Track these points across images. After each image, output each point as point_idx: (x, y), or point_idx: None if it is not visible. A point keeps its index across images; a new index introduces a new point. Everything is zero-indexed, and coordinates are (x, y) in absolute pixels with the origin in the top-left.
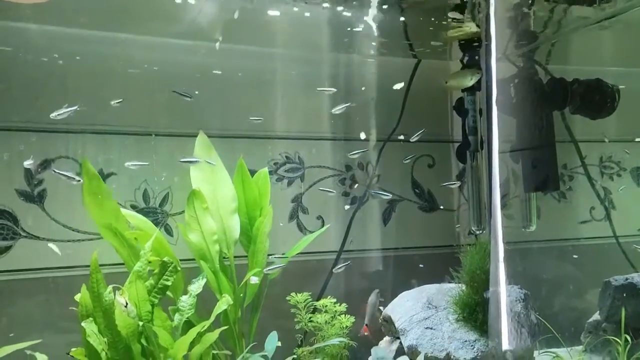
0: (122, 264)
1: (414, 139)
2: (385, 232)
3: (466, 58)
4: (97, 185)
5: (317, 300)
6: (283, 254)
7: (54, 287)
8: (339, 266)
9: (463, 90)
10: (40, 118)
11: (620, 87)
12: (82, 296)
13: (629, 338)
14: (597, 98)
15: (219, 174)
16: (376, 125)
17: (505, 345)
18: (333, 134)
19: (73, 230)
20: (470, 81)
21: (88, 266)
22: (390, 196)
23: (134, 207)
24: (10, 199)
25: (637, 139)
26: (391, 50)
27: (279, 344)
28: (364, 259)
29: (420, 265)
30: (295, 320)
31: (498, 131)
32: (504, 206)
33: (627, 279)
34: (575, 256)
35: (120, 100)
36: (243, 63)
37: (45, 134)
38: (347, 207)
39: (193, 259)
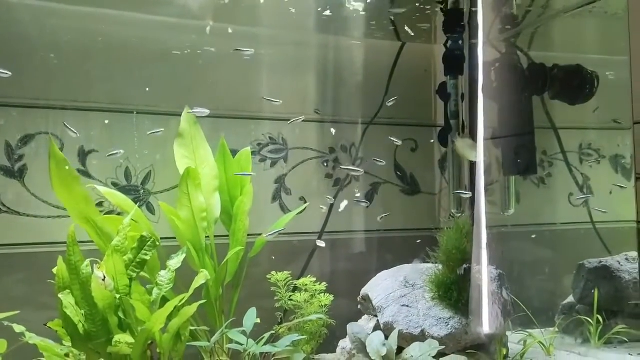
0: None
1: (389, 103)
2: (368, 214)
3: (449, 42)
4: (66, 170)
5: (298, 279)
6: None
7: (33, 262)
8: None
9: (446, 75)
10: (22, 93)
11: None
12: (59, 268)
13: (601, 319)
14: (576, 83)
15: (202, 151)
16: (360, 108)
17: (485, 325)
18: (317, 116)
19: (53, 207)
20: (474, 157)
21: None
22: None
23: (115, 185)
24: None
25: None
26: (376, 33)
27: (259, 321)
28: (346, 240)
29: (418, 241)
30: (275, 298)
31: (483, 117)
32: (486, 192)
33: (600, 262)
34: (533, 236)
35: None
36: (229, 43)
37: (26, 110)
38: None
39: (172, 238)
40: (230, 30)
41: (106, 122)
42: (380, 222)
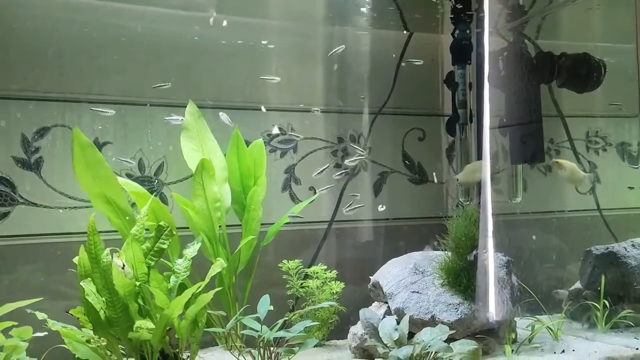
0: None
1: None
2: (376, 203)
3: (457, 32)
4: (91, 154)
5: (309, 267)
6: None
7: (50, 252)
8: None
9: (453, 64)
10: (38, 86)
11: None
12: (80, 257)
13: (607, 304)
14: (583, 72)
15: (209, 143)
16: (368, 98)
17: (493, 311)
18: (326, 106)
19: (69, 198)
20: (480, 175)
21: (84, 233)
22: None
23: (129, 176)
24: (8, 166)
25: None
26: (384, 23)
27: (272, 308)
28: (355, 228)
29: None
30: (287, 286)
31: (489, 105)
32: (492, 180)
33: (607, 248)
34: (533, 237)
35: None
36: (237, 34)
37: (42, 102)
38: (336, 176)
39: (184, 228)
40: (238, 22)
41: (120, 114)
42: (389, 211)
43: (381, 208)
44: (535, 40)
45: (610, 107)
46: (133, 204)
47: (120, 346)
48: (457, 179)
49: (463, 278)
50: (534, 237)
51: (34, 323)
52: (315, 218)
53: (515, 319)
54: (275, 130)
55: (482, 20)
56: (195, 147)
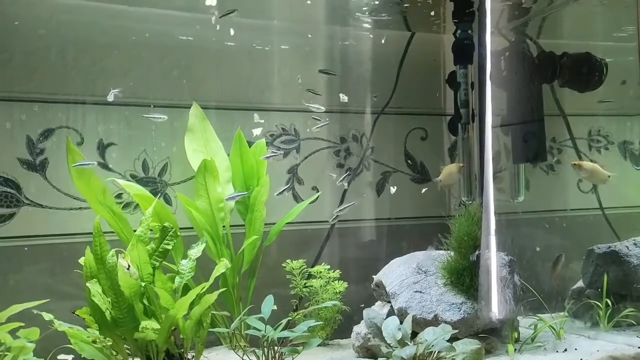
0: None
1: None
2: (379, 202)
3: (459, 32)
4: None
5: (312, 267)
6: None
7: (56, 253)
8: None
9: (456, 64)
10: (42, 88)
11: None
12: (86, 258)
13: (609, 303)
14: (585, 71)
15: (213, 145)
16: (370, 98)
17: (496, 310)
18: (328, 106)
19: (75, 199)
20: (458, 176)
21: (89, 233)
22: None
23: (133, 177)
24: (13, 167)
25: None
26: (386, 23)
27: (275, 307)
28: (357, 228)
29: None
30: (290, 286)
31: (491, 105)
32: (494, 179)
33: (609, 247)
34: (537, 249)
35: None
36: (240, 35)
37: (46, 104)
38: (338, 182)
39: (188, 228)
40: (240, 23)
41: (124, 115)
42: (391, 211)
43: (393, 189)
44: (536, 39)
45: (613, 105)
46: (136, 206)
47: (125, 346)
48: (440, 180)
49: (466, 277)
50: (537, 248)
51: (40, 324)
52: (318, 218)
53: (518, 318)
54: (268, 138)
55: (484, 20)
56: (199, 148)
